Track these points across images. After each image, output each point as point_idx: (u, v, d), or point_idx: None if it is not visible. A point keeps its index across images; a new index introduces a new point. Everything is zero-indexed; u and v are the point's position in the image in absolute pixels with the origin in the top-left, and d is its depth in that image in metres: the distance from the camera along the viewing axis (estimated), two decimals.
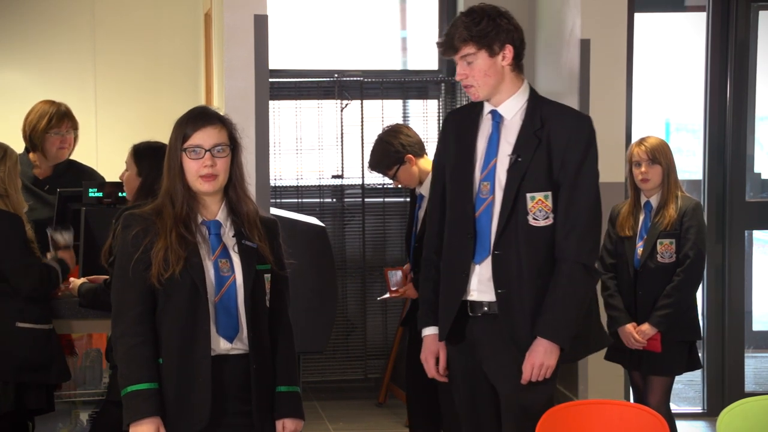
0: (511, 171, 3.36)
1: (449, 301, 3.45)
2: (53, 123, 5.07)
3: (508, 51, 3.38)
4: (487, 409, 3.49)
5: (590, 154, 3.39)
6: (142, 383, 2.99)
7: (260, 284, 3.12)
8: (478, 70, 3.38)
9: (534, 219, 3.35)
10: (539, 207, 3.36)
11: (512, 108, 3.43)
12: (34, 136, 5.08)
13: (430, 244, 3.58)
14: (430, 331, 3.54)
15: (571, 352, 3.44)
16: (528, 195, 3.35)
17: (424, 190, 4.91)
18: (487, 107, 3.46)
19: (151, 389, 3.00)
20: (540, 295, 3.35)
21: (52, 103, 5.14)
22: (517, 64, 3.43)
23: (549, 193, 3.36)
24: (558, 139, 3.36)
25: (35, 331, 4.24)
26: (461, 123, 3.52)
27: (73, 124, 5.16)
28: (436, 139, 6.65)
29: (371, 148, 4.99)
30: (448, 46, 3.41)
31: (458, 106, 6.70)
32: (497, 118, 3.43)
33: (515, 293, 3.35)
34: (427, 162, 4.94)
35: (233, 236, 3.12)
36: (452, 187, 3.47)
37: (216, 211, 3.13)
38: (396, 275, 5.13)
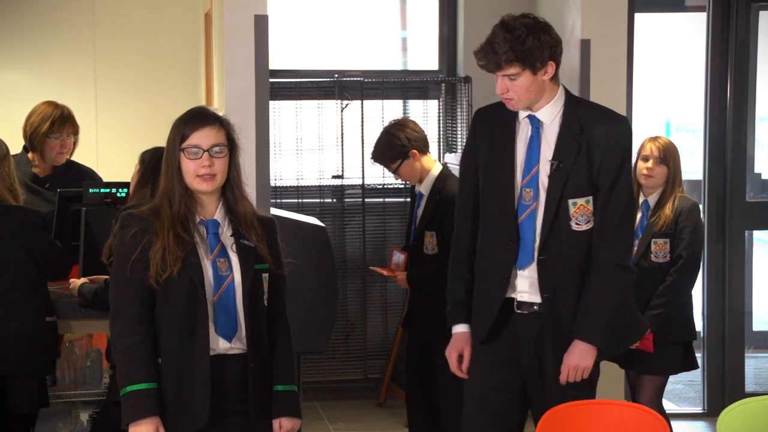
0: (553, 177, 3.37)
1: (490, 302, 3.45)
2: (55, 128, 5.06)
3: (551, 67, 3.37)
4: (508, 407, 3.48)
5: (628, 156, 3.42)
6: (141, 383, 3.00)
7: (258, 284, 3.13)
8: (520, 86, 3.35)
9: (576, 224, 3.37)
10: (581, 212, 3.37)
11: (551, 113, 3.42)
12: (34, 138, 5.08)
13: (461, 244, 3.56)
14: (460, 329, 3.55)
15: (609, 349, 3.47)
16: (570, 201, 3.36)
17: (424, 189, 4.91)
18: (524, 111, 3.44)
19: (150, 389, 3.00)
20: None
21: (55, 105, 5.13)
22: (556, 74, 3.41)
23: (590, 198, 3.37)
24: (597, 143, 3.37)
25: (55, 325, 4.31)
26: (494, 122, 3.49)
27: (74, 129, 5.15)
28: (436, 139, 6.73)
29: (376, 140, 4.98)
30: (491, 62, 3.35)
31: (458, 106, 6.70)
32: (536, 124, 3.42)
33: (561, 297, 3.38)
34: (429, 160, 4.94)
35: (231, 236, 3.12)
36: (489, 189, 3.46)
37: (213, 210, 3.14)
38: (399, 258, 5.12)
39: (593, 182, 3.37)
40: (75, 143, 5.20)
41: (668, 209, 4.67)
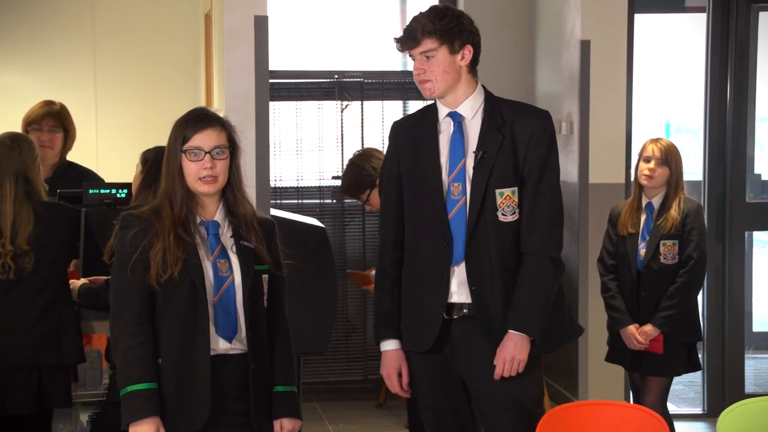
0: (478, 167, 3.37)
1: (431, 307, 3.41)
2: (34, 120, 5.08)
3: (468, 51, 3.39)
4: (463, 413, 3.48)
5: (553, 149, 3.42)
6: (142, 383, 3.00)
7: (258, 285, 3.14)
8: (437, 65, 3.36)
9: (503, 215, 3.37)
10: (507, 203, 3.37)
11: (472, 108, 3.43)
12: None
13: (385, 255, 3.53)
14: (390, 345, 3.50)
15: (545, 343, 3.43)
16: (497, 191, 3.36)
17: None
18: (443, 111, 3.45)
19: (150, 389, 3.01)
20: (510, 289, 3.36)
21: (45, 102, 5.15)
22: (473, 67, 3.44)
23: (516, 189, 3.37)
24: (521, 135, 3.38)
25: (79, 312, 4.36)
26: (414, 129, 3.49)
27: (58, 124, 5.11)
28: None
29: (343, 173, 5.02)
30: (409, 37, 3.38)
31: None
32: (458, 119, 3.42)
33: (488, 289, 3.36)
34: None
35: (231, 237, 3.13)
36: (416, 195, 3.44)
37: (214, 211, 3.14)
38: None
39: (519, 174, 3.38)
40: (66, 140, 5.17)
41: (675, 211, 4.68)
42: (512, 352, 3.33)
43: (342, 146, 6.67)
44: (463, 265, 3.38)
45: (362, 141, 6.62)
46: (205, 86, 6.47)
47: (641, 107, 6.44)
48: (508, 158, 3.36)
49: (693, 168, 6.62)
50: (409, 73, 6.98)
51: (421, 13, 3.41)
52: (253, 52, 4.80)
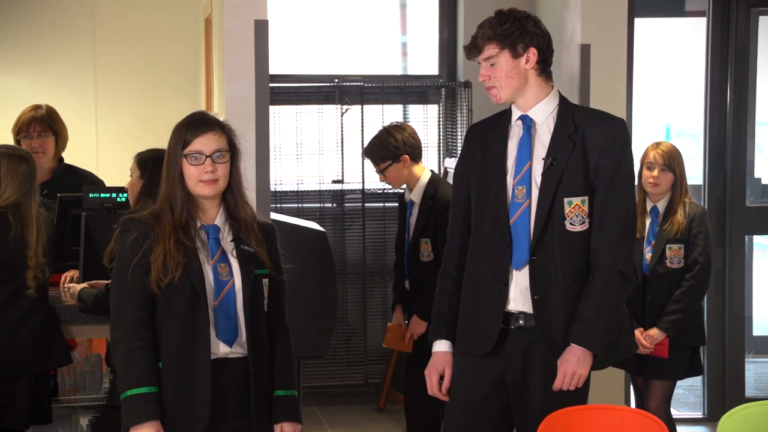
0: (546, 174, 3.30)
1: (490, 312, 3.36)
2: (22, 128, 5.10)
3: (532, 54, 3.33)
4: (490, 425, 3.41)
5: (626, 157, 3.34)
6: (142, 387, 3.01)
7: (259, 289, 3.14)
8: (500, 70, 3.33)
9: (571, 224, 3.30)
10: (576, 212, 3.30)
11: (543, 112, 3.37)
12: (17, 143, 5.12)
13: (450, 258, 3.49)
14: (441, 347, 3.46)
15: (604, 358, 3.39)
16: (565, 199, 3.29)
17: (415, 196, 4.93)
18: (516, 113, 3.40)
19: (150, 393, 3.01)
20: (575, 300, 3.29)
21: (31, 108, 5.16)
22: (544, 69, 3.38)
23: (586, 198, 3.30)
24: (593, 142, 3.31)
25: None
26: (487, 134, 3.45)
27: (45, 128, 5.11)
28: (436, 144, 6.74)
29: (373, 135, 4.99)
30: (472, 45, 3.36)
31: (458, 111, 6.70)
32: (528, 122, 3.37)
33: (552, 299, 3.29)
34: (419, 169, 4.95)
35: (231, 241, 3.13)
36: (482, 196, 3.40)
37: (214, 215, 3.14)
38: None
39: (589, 183, 3.31)
40: (56, 143, 5.16)
41: (680, 215, 4.67)
42: (574, 366, 3.26)
43: (342, 150, 6.67)
44: (524, 272, 3.32)
45: (362, 145, 6.61)
46: (205, 90, 6.47)
47: (641, 111, 6.44)
48: (578, 166, 3.30)
49: (693, 172, 6.61)
50: (409, 77, 7.01)
51: (486, 19, 3.38)
52: (254, 56, 4.80)
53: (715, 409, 6.20)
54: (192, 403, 3.04)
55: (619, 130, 3.36)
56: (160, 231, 3.06)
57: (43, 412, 4.35)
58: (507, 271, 3.34)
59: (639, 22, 5.94)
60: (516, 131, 3.40)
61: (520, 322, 3.34)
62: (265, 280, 3.16)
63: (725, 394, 6.27)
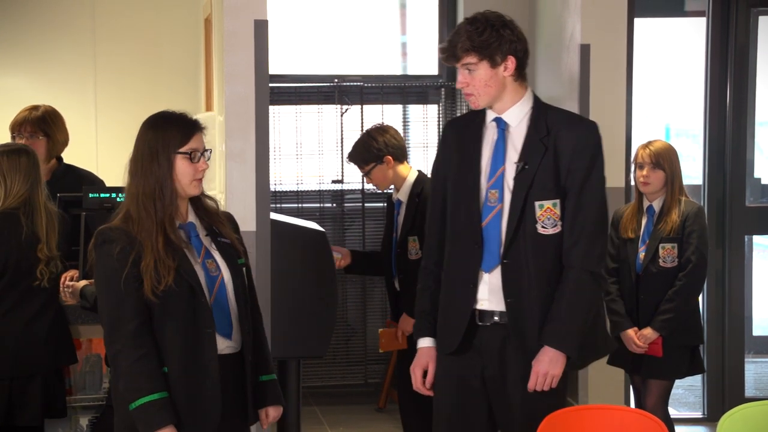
0: (518, 178, 3.34)
1: (458, 311, 3.40)
2: (14, 127, 5.11)
3: (510, 62, 3.35)
4: (477, 421, 3.44)
5: (597, 160, 3.36)
6: (154, 393, 3.00)
7: (243, 278, 3.19)
8: (479, 79, 3.35)
9: (543, 227, 3.33)
10: (548, 215, 3.33)
11: (517, 115, 3.40)
12: None
13: (429, 255, 3.54)
14: (425, 343, 3.51)
15: (579, 359, 3.41)
16: (536, 203, 3.32)
17: (402, 195, 4.94)
18: (491, 115, 3.43)
19: (162, 398, 3.01)
20: (549, 303, 3.32)
21: (28, 109, 5.15)
22: (520, 74, 3.40)
23: (557, 201, 3.33)
24: (565, 146, 3.34)
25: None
26: (462, 132, 3.48)
27: (37, 130, 5.07)
28: (436, 144, 6.73)
29: (355, 140, 5.01)
30: (450, 54, 3.38)
31: (458, 111, 6.71)
32: (502, 126, 3.40)
33: (525, 302, 3.33)
34: (405, 168, 4.96)
35: (206, 235, 3.17)
36: (456, 196, 3.43)
37: (185, 213, 3.17)
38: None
39: (561, 186, 3.34)
40: (48, 144, 5.14)
41: (675, 214, 4.67)
42: (547, 367, 3.30)
43: (342, 150, 6.67)
44: (496, 274, 3.35)
45: None
46: (204, 90, 6.47)
47: (641, 111, 6.44)
48: (549, 170, 3.33)
49: (693, 172, 6.62)
50: (409, 77, 7.01)
51: (462, 24, 3.38)
52: (253, 56, 4.80)
53: (714, 409, 6.21)
54: (203, 403, 3.06)
55: (590, 133, 3.38)
56: (144, 234, 3.04)
57: (57, 407, 4.36)
58: (477, 272, 3.37)
59: (639, 22, 5.94)
60: (491, 132, 3.43)
61: (495, 318, 3.38)
62: (244, 269, 3.21)
63: (725, 394, 6.28)
